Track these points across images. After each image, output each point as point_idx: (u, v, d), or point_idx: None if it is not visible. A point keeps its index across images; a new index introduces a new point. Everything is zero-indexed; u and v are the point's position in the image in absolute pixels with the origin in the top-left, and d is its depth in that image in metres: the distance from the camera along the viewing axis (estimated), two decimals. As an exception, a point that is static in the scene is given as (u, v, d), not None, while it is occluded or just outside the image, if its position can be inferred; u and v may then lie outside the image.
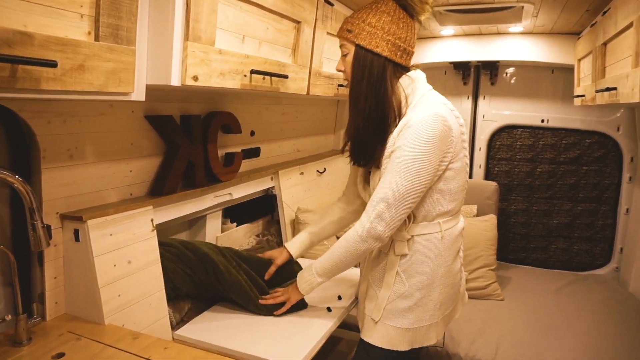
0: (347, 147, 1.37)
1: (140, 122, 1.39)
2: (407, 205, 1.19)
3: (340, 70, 1.32)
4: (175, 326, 1.44)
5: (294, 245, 1.58)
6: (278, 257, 1.58)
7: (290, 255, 1.57)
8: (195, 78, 1.03)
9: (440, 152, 1.18)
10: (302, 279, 1.38)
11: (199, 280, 1.46)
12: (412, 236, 1.26)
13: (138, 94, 0.98)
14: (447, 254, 1.28)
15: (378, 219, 1.19)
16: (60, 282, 1.21)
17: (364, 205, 1.45)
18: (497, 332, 2.00)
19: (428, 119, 1.16)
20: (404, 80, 1.25)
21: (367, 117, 1.23)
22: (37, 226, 1.07)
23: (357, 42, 1.23)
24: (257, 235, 2.15)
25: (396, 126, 1.21)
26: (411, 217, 1.25)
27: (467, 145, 1.28)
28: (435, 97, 1.25)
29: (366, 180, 1.36)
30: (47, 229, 1.10)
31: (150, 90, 1.35)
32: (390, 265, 1.29)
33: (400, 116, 1.22)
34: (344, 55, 1.28)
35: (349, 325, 1.75)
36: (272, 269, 1.55)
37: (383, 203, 1.19)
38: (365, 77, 1.22)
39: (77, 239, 1.18)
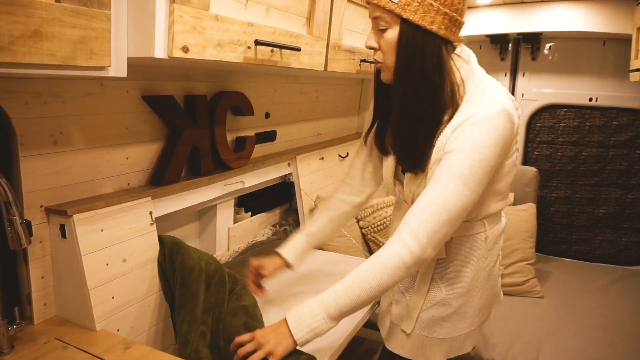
0: (369, 136, 1.18)
1: (136, 103, 1.24)
2: (462, 218, 0.96)
3: (372, 48, 1.02)
4: (180, 327, 1.31)
5: (289, 251, 1.25)
6: (267, 266, 1.23)
7: (286, 262, 1.24)
8: (185, 49, 0.87)
9: (504, 153, 0.97)
10: (301, 320, 0.94)
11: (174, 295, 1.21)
12: (452, 238, 1.07)
13: (118, 69, 0.82)
14: (489, 256, 1.10)
15: (429, 240, 0.92)
16: (49, 282, 1.10)
17: (370, 197, 1.25)
18: (537, 334, 1.81)
19: (497, 118, 0.92)
20: (458, 63, 1.00)
21: (420, 113, 0.98)
22: (14, 222, 0.95)
23: (404, 16, 0.93)
24: (274, 226, 2.01)
25: (448, 122, 0.98)
26: None
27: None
28: (496, 85, 1.00)
29: (397, 177, 1.15)
30: (27, 224, 0.97)
31: (145, 66, 1.21)
32: (423, 269, 1.12)
33: (455, 109, 0.98)
34: (381, 30, 0.98)
35: (371, 324, 1.59)
36: (256, 283, 1.24)
37: (437, 219, 0.92)
38: (416, 62, 0.95)
39: (63, 236, 1.05)
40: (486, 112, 0.92)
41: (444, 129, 0.98)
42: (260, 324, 1.14)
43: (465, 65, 1.00)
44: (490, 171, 0.94)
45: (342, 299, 0.94)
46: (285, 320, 0.96)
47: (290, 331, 0.94)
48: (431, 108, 0.98)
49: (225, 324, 1.13)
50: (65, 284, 1.09)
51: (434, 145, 0.99)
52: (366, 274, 0.94)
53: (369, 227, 2.07)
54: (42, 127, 1.02)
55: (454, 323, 1.11)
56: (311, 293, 1.02)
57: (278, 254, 1.26)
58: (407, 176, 1.08)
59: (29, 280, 1.06)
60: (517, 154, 1.06)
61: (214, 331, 1.12)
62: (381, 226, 2.05)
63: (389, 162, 1.15)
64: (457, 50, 1.01)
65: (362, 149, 1.26)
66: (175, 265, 1.20)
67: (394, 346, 1.18)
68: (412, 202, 1.08)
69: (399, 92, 1.00)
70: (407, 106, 0.99)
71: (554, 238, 2.69)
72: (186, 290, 1.15)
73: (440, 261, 1.10)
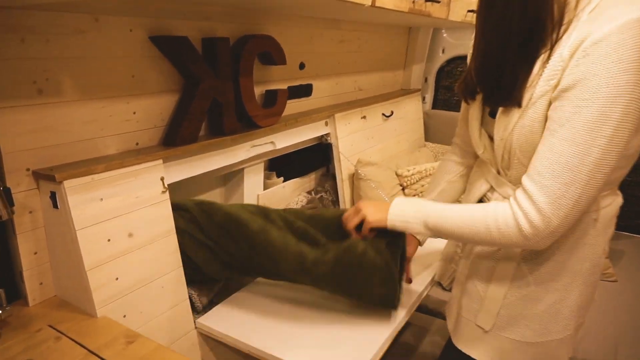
0: (462, 81, 0.92)
1: (143, 45, 1.02)
2: (601, 180, 0.71)
3: None
4: (201, 311, 1.14)
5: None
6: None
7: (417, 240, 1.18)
8: (187, -44, 0.63)
9: None
10: (403, 208, 0.93)
11: (229, 256, 1.11)
12: None
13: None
14: (596, 243, 0.84)
15: (553, 209, 0.72)
16: (43, 259, 0.93)
17: (475, 159, 1.03)
18: (613, 326, 1.54)
19: (633, 28, 0.64)
20: None
21: (507, 29, 0.75)
22: (-10, 189, 0.78)
23: None
24: (309, 192, 1.80)
25: (551, 46, 0.73)
26: None
27: None
28: None
29: (484, 125, 0.91)
30: (6, 192, 0.79)
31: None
32: (507, 251, 0.88)
33: (559, 29, 0.72)
34: None
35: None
36: (408, 266, 1.19)
37: (560, 180, 0.71)
38: None
39: (55, 205, 0.87)
40: (619, 21, 0.64)
41: (554, 50, 0.72)
42: None
43: None
44: (632, 108, 0.67)
45: (443, 221, 0.86)
46: (390, 203, 0.95)
47: (388, 210, 0.94)
48: (523, 23, 0.74)
49: (320, 218, 1.11)
50: (62, 262, 0.92)
51: (538, 72, 0.74)
52: (478, 216, 0.81)
53: (416, 196, 1.83)
54: (20, 71, 0.82)
55: (544, 324, 0.87)
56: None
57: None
58: (498, 117, 0.83)
59: (19, 257, 0.90)
60: None
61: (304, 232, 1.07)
62: (430, 195, 1.80)
63: (475, 106, 0.91)
64: None
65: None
66: (217, 220, 1.06)
67: (464, 344, 0.97)
68: (502, 158, 0.85)
69: (484, 2, 0.79)
70: (494, 19, 0.77)
71: (628, 212, 2.35)
72: (246, 228, 1.05)
73: None
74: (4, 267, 0.92)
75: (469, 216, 0.82)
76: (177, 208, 1.08)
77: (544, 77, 0.73)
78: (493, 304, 0.90)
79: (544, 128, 0.74)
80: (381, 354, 0.99)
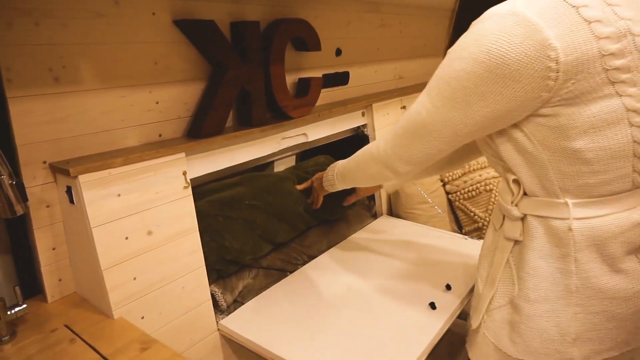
0: None
1: (167, 30, 0.95)
2: (430, 144, 0.79)
3: None
4: (225, 310, 1.09)
5: None
6: None
7: None
8: None
9: (507, 88, 0.66)
10: (327, 173, 1.23)
11: (272, 208, 1.25)
12: (525, 215, 0.77)
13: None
14: (585, 259, 0.71)
15: (391, 146, 0.87)
16: (62, 255, 0.90)
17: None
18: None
19: (490, 22, 0.66)
20: None
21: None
22: (2, 182, 0.74)
23: None
24: (343, 186, 1.71)
25: None
26: (520, 184, 0.77)
27: (628, 75, 0.64)
28: None
29: None
30: (19, 186, 0.75)
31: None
32: (501, 250, 0.83)
33: None
34: None
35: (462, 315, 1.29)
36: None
37: (396, 129, 0.85)
38: None
39: (71, 201, 0.83)
40: (485, 15, 0.68)
41: None
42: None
43: None
44: (464, 96, 0.69)
45: (345, 162, 1.12)
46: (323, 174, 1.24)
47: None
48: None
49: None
50: (79, 259, 0.88)
51: None
52: (361, 158, 1.01)
53: (457, 193, 1.71)
54: (36, 58, 0.77)
55: (527, 341, 0.76)
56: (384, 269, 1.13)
57: None
58: None
59: (36, 253, 0.86)
60: (623, 103, 0.65)
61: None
62: (473, 192, 1.68)
63: None
64: None
65: None
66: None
67: (468, 345, 0.93)
68: None
69: None
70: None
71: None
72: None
73: (517, 245, 0.80)
74: (23, 262, 0.90)
75: (355, 158, 1.04)
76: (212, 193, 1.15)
77: None
78: (483, 302, 0.86)
79: None
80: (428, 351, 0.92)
